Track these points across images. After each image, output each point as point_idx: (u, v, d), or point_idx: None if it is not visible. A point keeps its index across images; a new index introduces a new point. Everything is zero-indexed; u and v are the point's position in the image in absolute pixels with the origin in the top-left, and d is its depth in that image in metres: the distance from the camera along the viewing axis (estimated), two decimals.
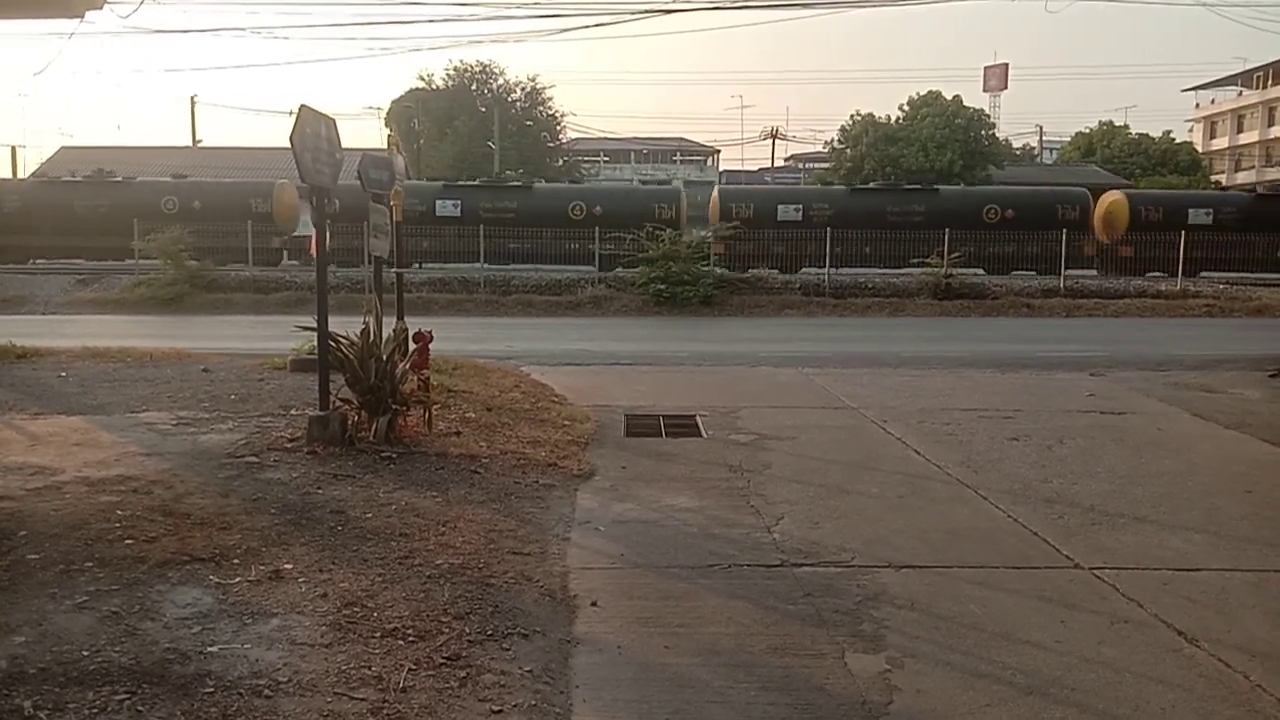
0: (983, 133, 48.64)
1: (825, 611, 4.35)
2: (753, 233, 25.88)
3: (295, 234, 29.73)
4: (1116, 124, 60.91)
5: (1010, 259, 26.32)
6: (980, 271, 25.67)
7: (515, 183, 28.98)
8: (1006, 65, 65.45)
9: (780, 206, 27.37)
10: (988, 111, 53.31)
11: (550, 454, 7.16)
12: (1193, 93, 73.51)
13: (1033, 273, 25.87)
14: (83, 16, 8.36)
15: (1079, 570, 4.97)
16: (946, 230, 24.22)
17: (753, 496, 6.26)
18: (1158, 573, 4.94)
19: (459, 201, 27.37)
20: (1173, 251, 24.50)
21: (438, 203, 27.42)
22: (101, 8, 8.16)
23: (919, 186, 28.97)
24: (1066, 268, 25.15)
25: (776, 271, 25.55)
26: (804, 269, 25.66)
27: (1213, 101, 72.90)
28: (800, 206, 27.23)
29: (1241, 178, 66.04)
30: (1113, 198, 28.66)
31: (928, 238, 24.52)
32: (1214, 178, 62.93)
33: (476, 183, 28.49)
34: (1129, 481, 6.76)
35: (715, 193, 28.75)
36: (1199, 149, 64.69)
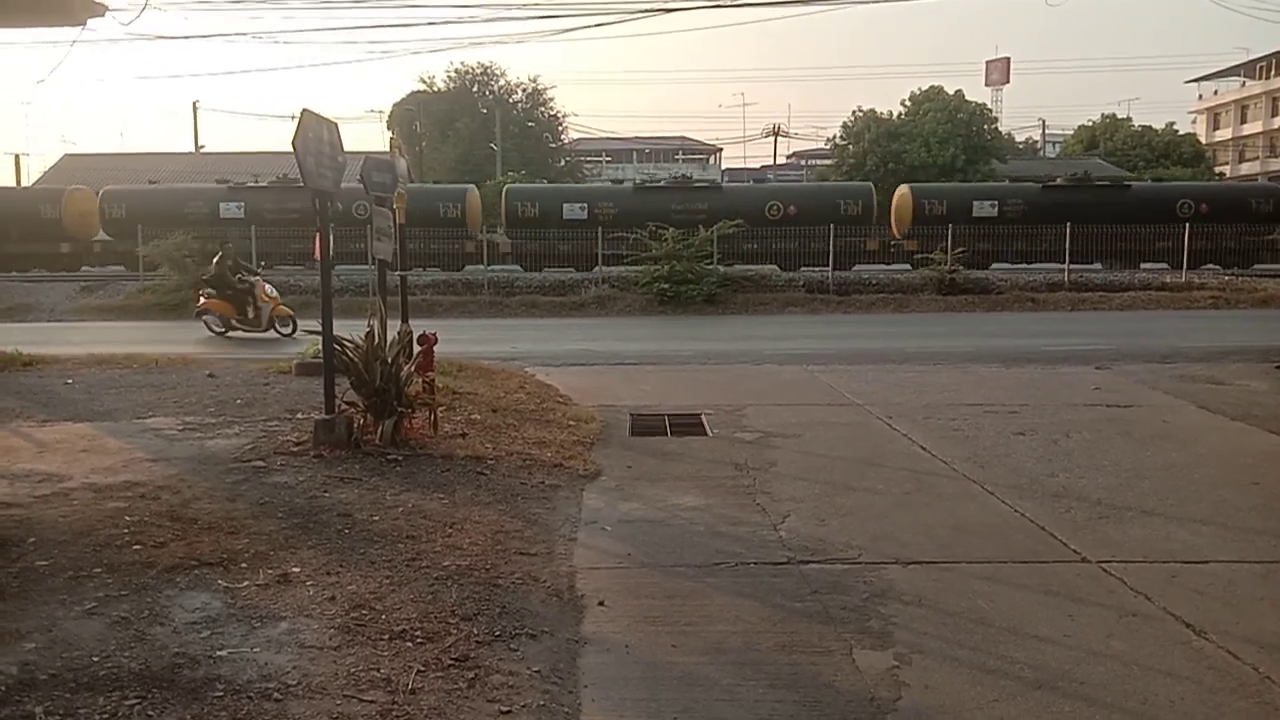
0: (985, 127, 48.53)
1: (832, 608, 4.35)
2: (538, 232, 26.06)
3: (93, 239, 29.42)
4: (1119, 116, 60.68)
5: (795, 255, 26.26)
6: (775, 267, 25.69)
7: (300, 184, 29.05)
8: (1008, 59, 65.51)
9: (566, 205, 27.44)
10: (990, 106, 53.25)
11: (556, 454, 7.16)
12: (1195, 84, 73.31)
13: (826, 268, 25.27)
14: (84, 24, 8.39)
15: (1086, 564, 4.96)
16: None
17: (759, 494, 6.26)
18: (1165, 565, 4.93)
19: (243, 204, 27.81)
20: (961, 244, 24.18)
21: (221, 205, 27.72)
22: (103, 15, 8.19)
23: (704, 185, 29.89)
24: (854, 264, 25.74)
25: (574, 270, 25.81)
26: (596, 267, 25.28)
27: (1215, 93, 72.62)
28: (585, 205, 27.33)
29: (1245, 169, 65.87)
30: (900, 192, 28.95)
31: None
32: (1218, 169, 62.68)
33: (264, 184, 28.55)
34: (1136, 475, 6.74)
35: (504, 192, 28.99)
36: (1202, 140, 64.40)
